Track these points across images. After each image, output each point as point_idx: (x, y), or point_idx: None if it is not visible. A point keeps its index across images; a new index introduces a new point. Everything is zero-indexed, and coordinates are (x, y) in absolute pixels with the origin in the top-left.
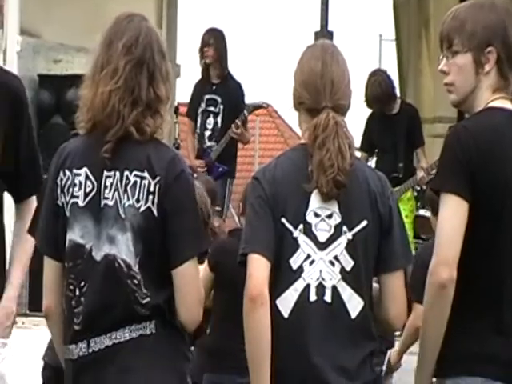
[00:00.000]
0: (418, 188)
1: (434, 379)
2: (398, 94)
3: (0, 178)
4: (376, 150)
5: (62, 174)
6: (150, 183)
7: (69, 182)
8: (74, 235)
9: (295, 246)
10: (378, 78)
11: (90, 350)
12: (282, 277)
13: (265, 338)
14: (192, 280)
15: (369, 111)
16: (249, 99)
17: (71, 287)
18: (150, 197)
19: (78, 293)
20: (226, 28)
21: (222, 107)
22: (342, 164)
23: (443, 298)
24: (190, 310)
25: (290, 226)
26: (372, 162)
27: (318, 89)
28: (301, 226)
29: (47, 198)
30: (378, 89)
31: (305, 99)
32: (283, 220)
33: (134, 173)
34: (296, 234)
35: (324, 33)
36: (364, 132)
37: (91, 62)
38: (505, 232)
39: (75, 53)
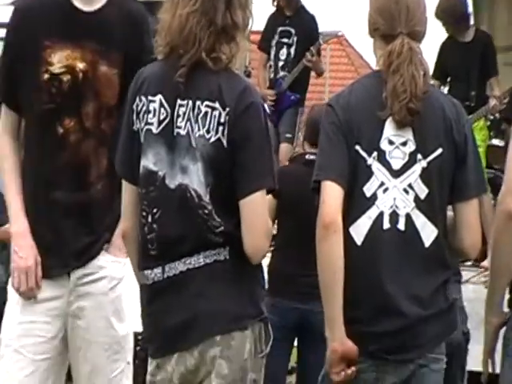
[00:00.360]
0: (491, 117)
1: (507, 310)
2: (472, 21)
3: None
4: (448, 79)
5: (137, 99)
6: (220, 114)
7: (144, 109)
8: (147, 162)
9: (369, 173)
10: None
11: (165, 276)
12: (355, 204)
13: (337, 265)
14: (259, 212)
15: (442, 39)
16: (321, 28)
17: (144, 213)
18: (220, 128)
19: (150, 219)
20: None
21: (295, 39)
22: (415, 90)
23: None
24: (257, 242)
25: (363, 154)
26: (444, 91)
27: (393, 15)
28: (375, 154)
29: (125, 123)
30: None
31: (380, 25)
32: (357, 147)
33: (206, 103)
34: (370, 161)
35: None
36: (437, 60)
37: None
38: None
39: None
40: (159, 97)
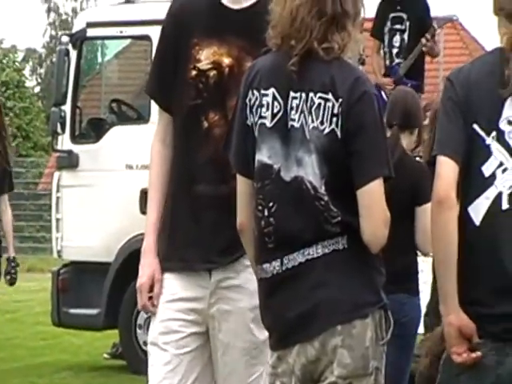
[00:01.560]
0: None
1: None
2: None
3: None
4: None
5: (250, 93)
6: (333, 105)
7: (257, 103)
8: (261, 156)
9: (488, 152)
10: None
11: (284, 268)
12: (473, 184)
13: (451, 240)
14: (377, 200)
15: None
16: (434, 13)
17: (260, 207)
18: (334, 119)
19: (266, 213)
20: None
21: (408, 24)
22: None
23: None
24: (375, 230)
25: (482, 133)
26: None
27: None
28: (494, 133)
29: (238, 117)
30: None
31: (505, 4)
32: (475, 126)
33: (319, 95)
34: (489, 141)
35: None
36: None
37: None
38: None
39: None
40: (272, 90)
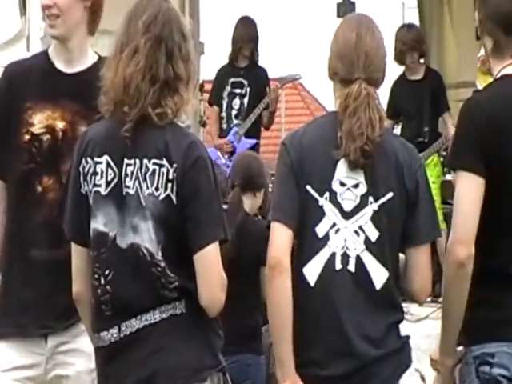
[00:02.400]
0: (444, 153)
1: (459, 348)
2: (422, 60)
3: None
4: (401, 117)
5: (84, 161)
6: (168, 171)
7: (91, 171)
8: (97, 224)
9: (321, 213)
10: (411, 26)
11: (122, 335)
12: (307, 245)
13: (285, 305)
14: (213, 265)
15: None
16: (274, 73)
17: (96, 276)
18: (169, 184)
19: (103, 281)
20: (249, 3)
21: (248, 89)
22: (372, 134)
23: (462, 276)
24: (212, 294)
25: (315, 194)
26: (398, 129)
27: (352, 60)
28: (326, 194)
29: (71, 186)
30: (412, 30)
31: (339, 70)
32: (308, 187)
33: (153, 161)
34: (322, 202)
35: (346, 3)
36: (389, 99)
37: (113, 43)
38: None
39: (98, 35)
40: (106, 157)
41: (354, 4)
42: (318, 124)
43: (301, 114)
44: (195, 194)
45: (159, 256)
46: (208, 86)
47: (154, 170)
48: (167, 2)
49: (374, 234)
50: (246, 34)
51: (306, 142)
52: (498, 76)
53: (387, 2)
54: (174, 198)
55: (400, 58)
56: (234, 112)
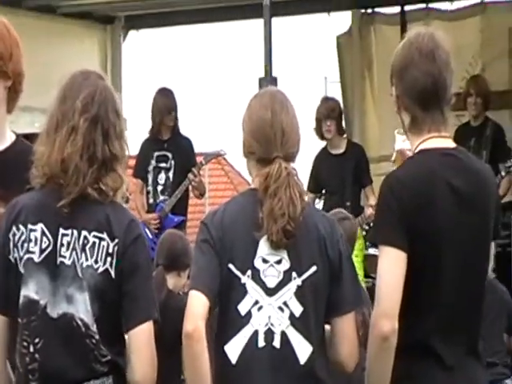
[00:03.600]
0: (367, 227)
1: None
2: (344, 135)
3: None
4: (323, 191)
5: (15, 228)
6: (108, 245)
7: (23, 238)
8: (28, 291)
9: (243, 291)
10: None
11: None
12: (230, 323)
13: (203, 373)
14: (148, 341)
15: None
16: (198, 147)
17: (25, 344)
18: (109, 258)
19: (32, 349)
20: (169, 76)
21: (173, 162)
22: (293, 213)
23: (386, 349)
24: (145, 372)
25: (237, 272)
26: (320, 203)
27: (269, 139)
28: (249, 272)
29: None
30: (328, 101)
31: (255, 149)
32: (231, 266)
33: (93, 233)
34: (244, 279)
35: (268, 79)
36: (311, 173)
37: (46, 118)
38: (444, 282)
39: (20, 112)
40: (40, 225)
41: (275, 79)
42: (237, 203)
43: (224, 189)
44: (134, 270)
45: (94, 328)
46: (131, 162)
47: (94, 243)
48: (103, 79)
49: (298, 309)
50: (163, 105)
51: (226, 221)
52: (417, 151)
53: (310, 77)
54: (112, 273)
55: (318, 129)
56: (159, 187)
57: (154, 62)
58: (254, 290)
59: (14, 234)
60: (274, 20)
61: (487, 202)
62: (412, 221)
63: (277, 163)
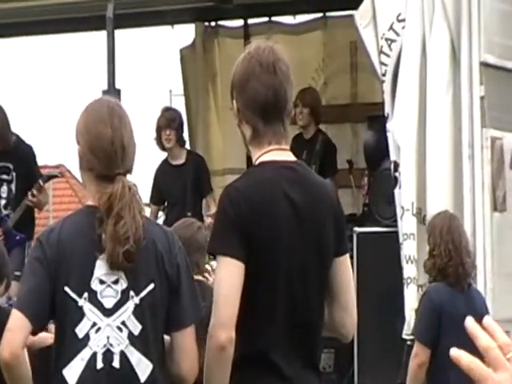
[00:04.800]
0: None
1: None
2: (189, 147)
3: None
4: (165, 202)
5: None
6: None
7: None
8: None
9: (80, 314)
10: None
11: None
12: (68, 346)
13: None
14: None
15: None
16: (42, 160)
17: None
18: None
19: None
20: (10, 87)
21: (14, 174)
22: (136, 234)
23: (223, 360)
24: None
25: (73, 295)
26: (162, 215)
27: (110, 156)
28: (85, 295)
29: None
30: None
31: (95, 165)
32: (66, 289)
33: None
34: (81, 302)
35: (111, 91)
36: (153, 185)
37: None
38: (280, 293)
39: None
40: None
41: (119, 91)
42: (74, 222)
43: (69, 202)
44: None
45: None
46: None
47: None
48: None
49: (136, 328)
50: None
51: (63, 241)
52: (257, 163)
53: (154, 89)
54: None
55: (158, 139)
56: (3, 201)
57: None
58: (91, 312)
59: None
60: (118, 32)
61: (324, 215)
62: (249, 229)
63: (120, 182)
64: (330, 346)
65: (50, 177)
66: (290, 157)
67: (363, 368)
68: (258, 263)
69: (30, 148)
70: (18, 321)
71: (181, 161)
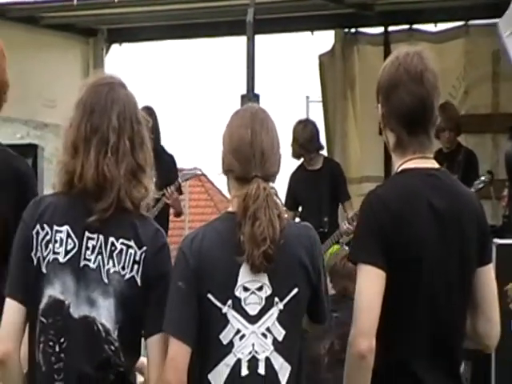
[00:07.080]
0: (342, 240)
1: None
2: (326, 153)
3: None
4: (301, 207)
5: (39, 227)
6: (135, 253)
7: (48, 238)
8: (54, 291)
9: (224, 321)
10: (306, 124)
11: None
12: (212, 352)
13: None
14: (165, 350)
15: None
16: (180, 164)
17: (51, 343)
18: (135, 266)
19: (57, 349)
20: (151, 91)
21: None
22: (274, 236)
23: (363, 368)
24: (158, 376)
25: (217, 303)
26: (297, 220)
27: (248, 158)
28: (229, 302)
29: (20, 246)
30: (307, 128)
31: (234, 167)
32: (210, 296)
33: (121, 240)
34: (225, 309)
35: (250, 96)
36: (288, 190)
37: (68, 129)
38: (423, 302)
39: (1, 123)
40: (66, 227)
41: (258, 96)
42: (215, 228)
43: (205, 206)
44: (160, 279)
45: (115, 335)
46: None
47: (122, 250)
48: (125, 88)
49: (280, 334)
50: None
51: (205, 250)
52: (399, 170)
53: (292, 95)
54: (138, 280)
55: (296, 156)
56: None
57: (136, 76)
58: (235, 320)
59: (38, 233)
60: (258, 37)
61: (468, 224)
62: (391, 238)
63: (255, 183)
64: (467, 357)
65: (189, 175)
66: (434, 164)
67: (502, 380)
68: (399, 272)
69: (172, 158)
70: (177, 348)
71: (317, 166)
